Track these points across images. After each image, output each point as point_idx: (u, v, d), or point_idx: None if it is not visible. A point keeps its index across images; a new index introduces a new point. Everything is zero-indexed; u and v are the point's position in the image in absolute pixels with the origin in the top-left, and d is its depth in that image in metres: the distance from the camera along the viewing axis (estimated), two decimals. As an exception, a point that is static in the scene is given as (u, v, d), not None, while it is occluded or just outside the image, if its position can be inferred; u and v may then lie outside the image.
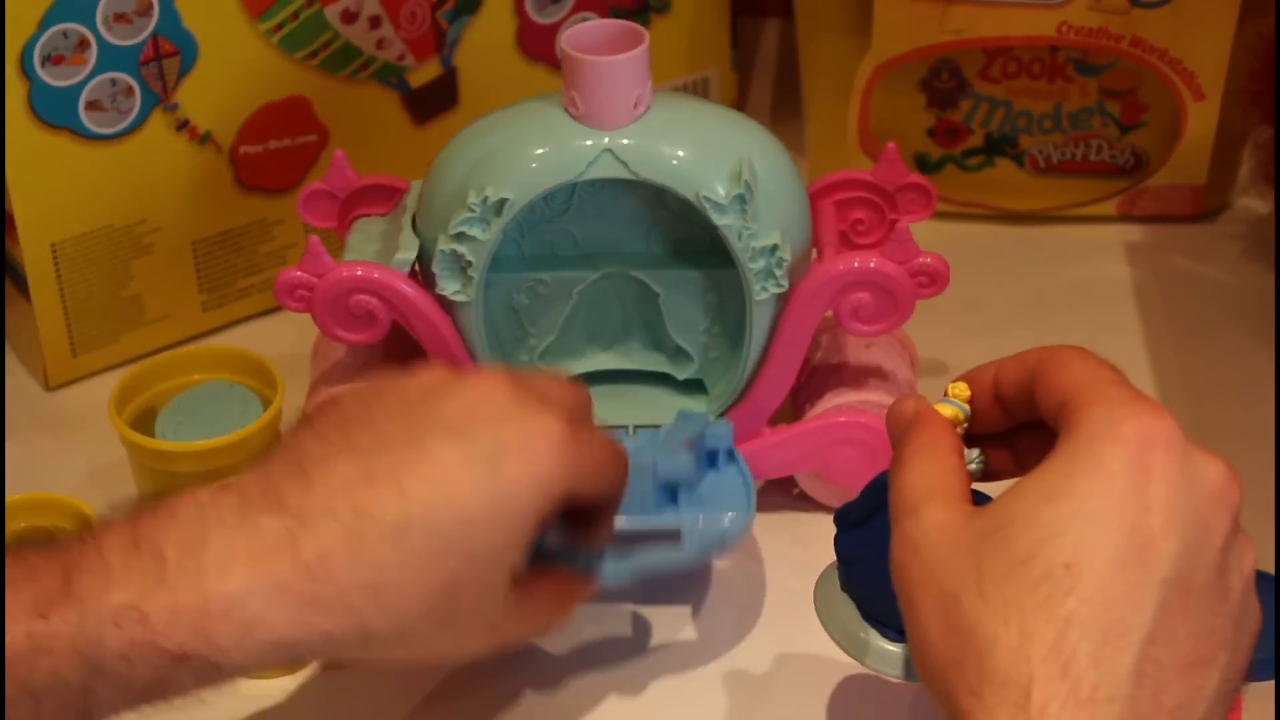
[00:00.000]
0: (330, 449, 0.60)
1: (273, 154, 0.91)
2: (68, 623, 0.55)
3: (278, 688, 0.73)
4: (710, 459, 0.73)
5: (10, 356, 0.92)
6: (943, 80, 0.97)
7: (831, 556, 0.65)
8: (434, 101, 0.94)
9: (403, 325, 0.76)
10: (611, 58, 0.71)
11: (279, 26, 0.88)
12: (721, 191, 0.72)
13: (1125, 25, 0.92)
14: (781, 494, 0.81)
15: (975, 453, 0.61)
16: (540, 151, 0.73)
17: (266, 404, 0.78)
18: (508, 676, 0.74)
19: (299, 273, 0.76)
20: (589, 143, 0.72)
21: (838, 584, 0.65)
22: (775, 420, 0.79)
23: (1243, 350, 0.90)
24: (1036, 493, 0.54)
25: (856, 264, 0.75)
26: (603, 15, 0.95)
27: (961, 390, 0.61)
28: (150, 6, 0.84)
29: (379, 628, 0.58)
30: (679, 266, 0.77)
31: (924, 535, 0.55)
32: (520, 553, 0.61)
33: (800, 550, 0.77)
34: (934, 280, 0.76)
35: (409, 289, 0.75)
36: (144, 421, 0.79)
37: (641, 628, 0.76)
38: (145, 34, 0.84)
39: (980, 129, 0.98)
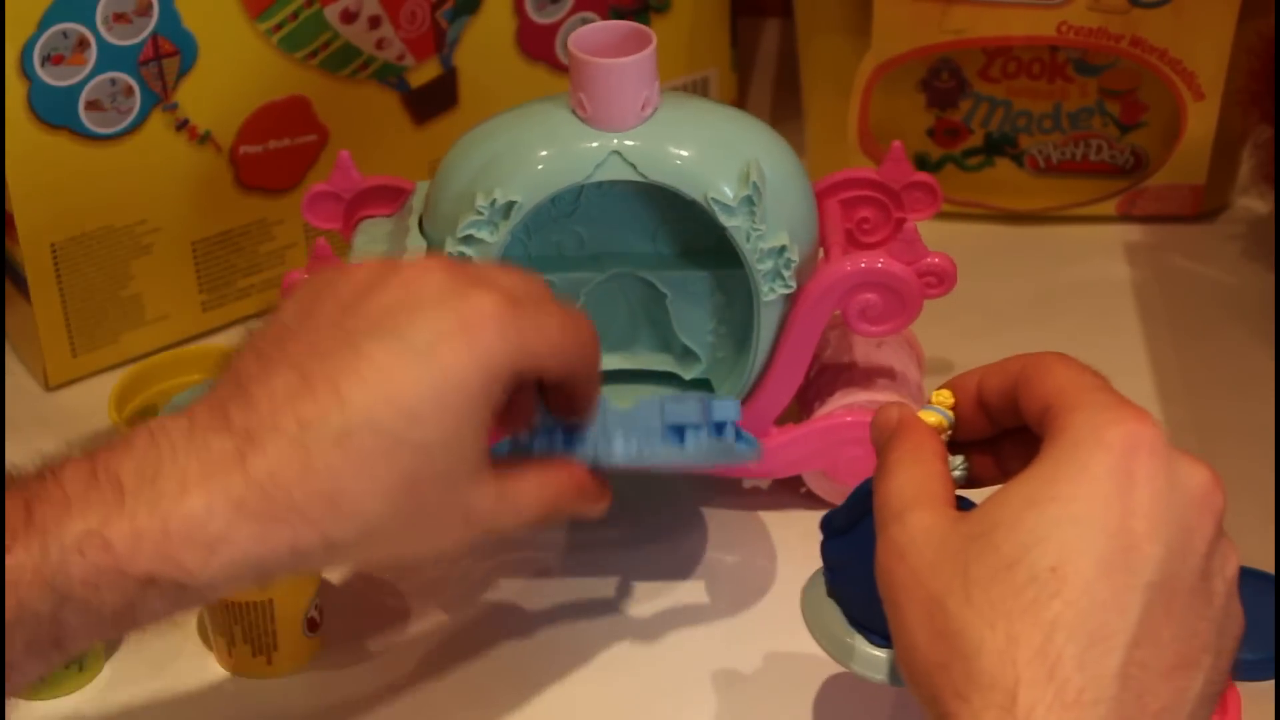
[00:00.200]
0: (269, 364, 0.59)
1: (272, 154, 0.90)
2: (31, 554, 0.55)
3: (278, 688, 0.73)
4: (718, 429, 0.73)
5: (10, 356, 0.92)
6: (943, 80, 0.97)
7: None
8: (434, 101, 0.94)
9: (408, 327, 0.76)
10: (619, 60, 0.71)
11: (279, 26, 0.87)
12: (729, 193, 0.72)
13: (1125, 25, 0.92)
14: (789, 493, 0.81)
15: (959, 459, 0.61)
16: (547, 154, 0.72)
17: (269, 405, 0.78)
18: (501, 674, 0.74)
19: (305, 275, 0.75)
20: (596, 145, 0.72)
21: (824, 590, 0.65)
22: (783, 420, 0.79)
23: (1243, 350, 0.90)
24: (1022, 497, 0.54)
25: (864, 265, 0.75)
26: (603, 15, 0.95)
27: (945, 397, 0.61)
28: (150, 6, 0.84)
29: (342, 535, 0.58)
30: (686, 267, 0.77)
31: (910, 540, 0.55)
32: (478, 438, 0.61)
33: (809, 546, 0.77)
34: (942, 280, 0.76)
35: (414, 290, 0.75)
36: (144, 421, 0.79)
37: (635, 627, 0.76)
38: (145, 34, 0.84)
39: (980, 129, 0.98)
